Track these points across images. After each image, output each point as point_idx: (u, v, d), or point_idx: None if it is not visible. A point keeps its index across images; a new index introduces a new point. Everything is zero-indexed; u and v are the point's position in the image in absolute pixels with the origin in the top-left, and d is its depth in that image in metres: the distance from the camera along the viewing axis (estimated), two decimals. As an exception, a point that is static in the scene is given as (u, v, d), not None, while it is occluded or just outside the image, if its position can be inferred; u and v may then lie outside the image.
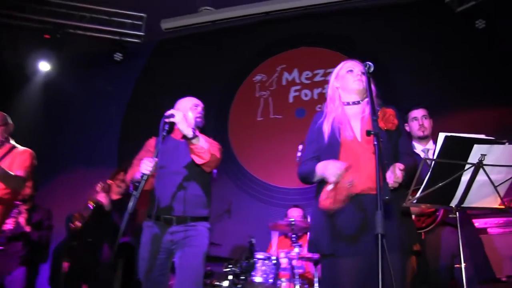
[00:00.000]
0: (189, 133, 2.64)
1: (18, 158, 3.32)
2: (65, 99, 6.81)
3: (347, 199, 2.08)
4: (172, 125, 2.68)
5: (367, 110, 2.26)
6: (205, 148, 2.72)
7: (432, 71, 5.42)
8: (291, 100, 6.01)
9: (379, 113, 2.15)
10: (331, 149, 2.25)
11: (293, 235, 3.68)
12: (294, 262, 3.59)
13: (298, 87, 6.03)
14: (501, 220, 4.04)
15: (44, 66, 6.46)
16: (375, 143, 1.80)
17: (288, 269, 3.76)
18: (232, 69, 6.48)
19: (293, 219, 3.69)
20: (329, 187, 2.10)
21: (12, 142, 3.49)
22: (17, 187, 3.34)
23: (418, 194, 1.81)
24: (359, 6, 5.99)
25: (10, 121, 3.51)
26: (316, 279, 3.60)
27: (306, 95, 5.96)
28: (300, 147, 4.42)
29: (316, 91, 5.92)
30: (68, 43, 6.31)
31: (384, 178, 1.82)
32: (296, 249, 3.51)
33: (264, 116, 6.06)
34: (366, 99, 2.31)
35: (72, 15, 6.20)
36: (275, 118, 6.00)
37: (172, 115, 2.63)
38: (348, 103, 2.38)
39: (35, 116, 6.29)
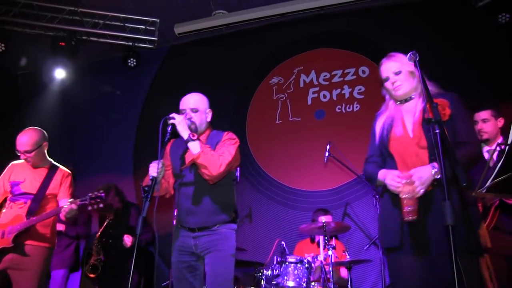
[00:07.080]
0: (184, 135, 2.67)
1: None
2: (80, 106, 6.84)
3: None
4: (175, 127, 2.68)
5: (420, 104, 2.23)
6: (199, 156, 2.64)
7: (452, 69, 5.28)
8: (309, 102, 5.91)
9: (426, 105, 2.09)
10: (382, 147, 2.29)
11: (326, 238, 3.56)
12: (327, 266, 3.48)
13: (316, 89, 5.93)
14: None
15: (59, 74, 6.53)
16: (437, 130, 1.71)
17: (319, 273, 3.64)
18: (247, 73, 6.39)
19: (324, 220, 3.58)
20: (404, 196, 2.08)
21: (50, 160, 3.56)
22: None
23: (488, 183, 1.71)
24: (376, 5, 5.89)
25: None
26: (349, 284, 3.49)
27: (325, 96, 5.87)
28: (328, 146, 4.34)
29: (335, 92, 5.83)
30: (83, 50, 6.32)
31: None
32: (330, 252, 3.39)
33: (283, 118, 5.97)
34: (418, 91, 2.29)
35: (86, 22, 6.20)
36: (294, 120, 5.90)
37: (172, 117, 2.67)
38: (401, 102, 2.36)
39: (51, 123, 6.26)
